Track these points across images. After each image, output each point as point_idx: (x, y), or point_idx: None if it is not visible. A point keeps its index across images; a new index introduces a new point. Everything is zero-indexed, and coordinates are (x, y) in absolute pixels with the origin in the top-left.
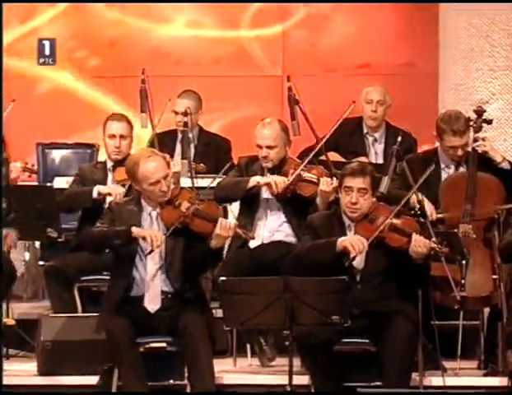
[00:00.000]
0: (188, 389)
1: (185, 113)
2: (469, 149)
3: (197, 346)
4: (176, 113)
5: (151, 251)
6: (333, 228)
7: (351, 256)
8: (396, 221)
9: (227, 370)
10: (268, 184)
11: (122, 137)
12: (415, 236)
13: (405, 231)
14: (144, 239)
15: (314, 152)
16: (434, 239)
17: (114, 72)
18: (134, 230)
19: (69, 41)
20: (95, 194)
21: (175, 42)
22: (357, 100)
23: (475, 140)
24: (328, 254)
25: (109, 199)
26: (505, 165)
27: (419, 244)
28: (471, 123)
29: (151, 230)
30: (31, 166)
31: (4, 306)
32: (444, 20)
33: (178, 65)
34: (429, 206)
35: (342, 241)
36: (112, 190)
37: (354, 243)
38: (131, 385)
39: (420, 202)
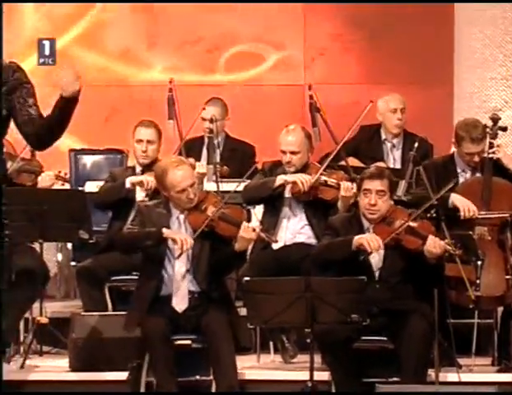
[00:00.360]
0: (214, 385)
1: (211, 120)
2: (484, 155)
3: (220, 344)
4: (203, 119)
5: (181, 254)
6: (352, 230)
7: (369, 253)
8: (413, 224)
9: (251, 366)
10: (295, 182)
11: (149, 142)
12: (430, 237)
13: (421, 234)
14: (174, 241)
15: (333, 154)
16: (447, 240)
17: None
18: (165, 231)
19: None
20: (127, 184)
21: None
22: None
23: (490, 146)
24: (344, 252)
25: (138, 195)
26: None
27: (433, 245)
28: (487, 130)
29: (181, 233)
30: (64, 175)
31: (38, 305)
32: (459, 30)
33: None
34: (471, 206)
35: (358, 238)
36: (144, 178)
37: (370, 240)
38: (163, 380)
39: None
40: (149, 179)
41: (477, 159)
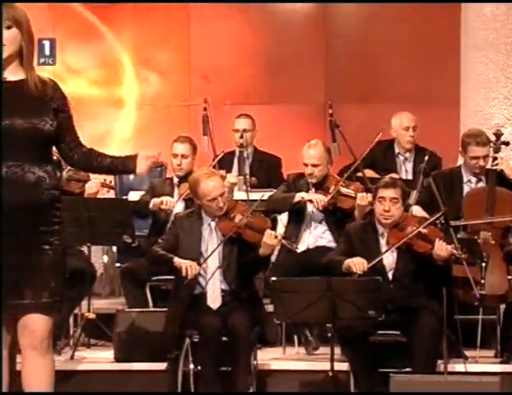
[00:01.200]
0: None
1: (241, 135)
2: (488, 166)
3: (240, 342)
4: (235, 131)
5: (187, 279)
6: (368, 235)
7: (354, 273)
8: (423, 230)
9: (277, 358)
10: (310, 201)
11: (183, 156)
12: (438, 242)
13: (430, 239)
14: (181, 269)
15: (353, 168)
16: (454, 245)
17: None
18: (175, 260)
19: None
20: (151, 205)
21: None
22: (387, 124)
23: (494, 159)
24: (339, 270)
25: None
26: None
27: (441, 249)
28: (491, 145)
29: (187, 261)
30: (109, 183)
31: (86, 302)
32: (465, 55)
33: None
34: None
35: (347, 262)
36: (164, 199)
37: (356, 263)
38: (208, 369)
39: None
40: (168, 200)
41: (482, 163)
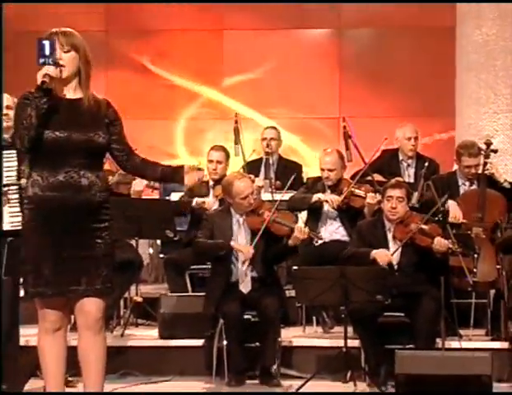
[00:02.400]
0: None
1: (268, 144)
2: (480, 171)
3: (270, 322)
4: (263, 140)
5: (245, 260)
6: (377, 230)
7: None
8: (424, 227)
9: (298, 336)
10: (326, 201)
11: (218, 162)
12: (437, 238)
13: (430, 234)
14: (240, 251)
15: (361, 174)
16: (451, 240)
17: None
18: (233, 244)
19: None
20: (193, 203)
21: None
22: (391, 136)
23: (484, 164)
24: (366, 259)
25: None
26: (506, 185)
27: (440, 244)
28: (482, 152)
29: (244, 245)
30: (153, 184)
31: (134, 288)
32: (460, 75)
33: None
34: (458, 213)
35: (373, 253)
36: (205, 199)
37: (380, 256)
38: (234, 346)
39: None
40: (208, 201)
41: (473, 170)
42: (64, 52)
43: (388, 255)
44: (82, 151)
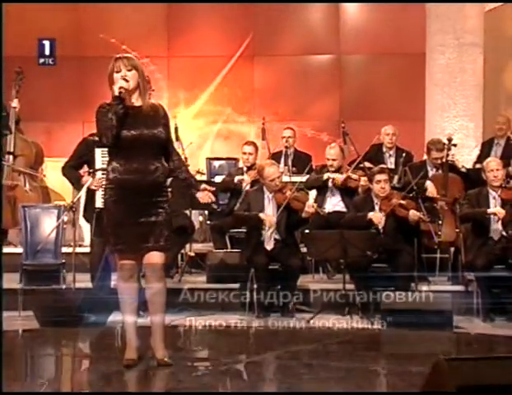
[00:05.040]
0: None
1: (286, 140)
2: (443, 160)
3: (291, 269)
4: (283, 137)
5: (269, 228)
6: (367, 204)
7: (376, 225)
8: (402, 202)
9: (309, 281)
10: (334, 178)
11: (250, 153)
12: (412, 210)
13: (407, 207)
14: (265, 221)
15: (356, 163)
16: (422, 212)
17: None
18: (261, 215)
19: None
20: (235, 180)
21: None
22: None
23: (447, 155)
24: (361, 223)
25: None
26: (463, 170)
27: (413, 215)
28: (445, 146)
29: (269, 216)
30: (201, 170)
31: (188, 246)
32: (429, 89)
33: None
34: (434, 190)
35: (369, 215)
36: (243, 176)
37: (376, 217)
38: (261, 288)
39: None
40: (246, 179)
41: (439, 161)
42: (128, 70)
43: (381, 217)
44: (150, 144)
